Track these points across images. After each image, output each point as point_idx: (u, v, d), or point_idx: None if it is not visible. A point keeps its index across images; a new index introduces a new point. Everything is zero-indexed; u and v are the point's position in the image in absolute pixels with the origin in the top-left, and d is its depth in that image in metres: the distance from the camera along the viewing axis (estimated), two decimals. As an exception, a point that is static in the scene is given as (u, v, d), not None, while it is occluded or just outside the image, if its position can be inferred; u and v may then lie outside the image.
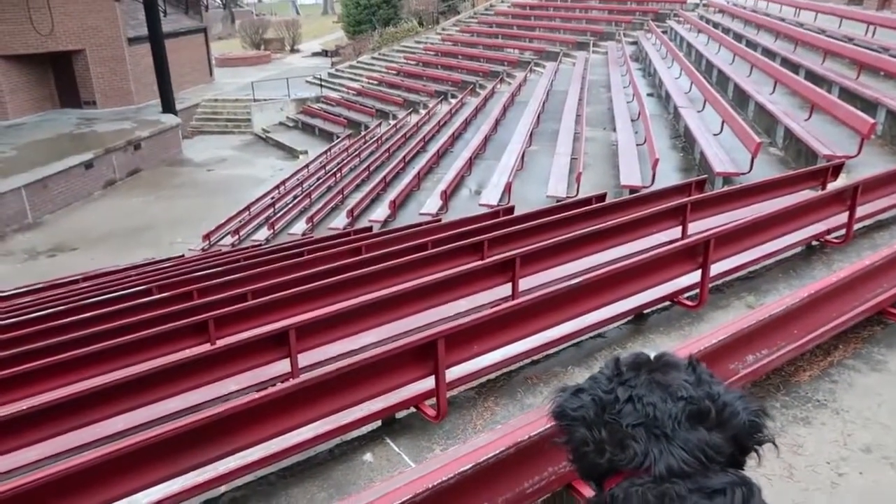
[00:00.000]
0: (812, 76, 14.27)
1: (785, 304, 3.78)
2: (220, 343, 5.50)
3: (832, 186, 7.82)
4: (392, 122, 27.82)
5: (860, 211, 6.73)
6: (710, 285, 5.61)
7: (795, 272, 6.19)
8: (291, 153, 29.97)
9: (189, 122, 33.20)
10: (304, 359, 5.34)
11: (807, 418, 3.68)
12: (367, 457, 4.06)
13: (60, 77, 30.51)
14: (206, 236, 19.62)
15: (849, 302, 4.30)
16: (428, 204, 15.37)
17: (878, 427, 3.57)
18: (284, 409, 3.72)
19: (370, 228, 14.48)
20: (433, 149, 20.43)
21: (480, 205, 13.79)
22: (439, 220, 13.08)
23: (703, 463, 1.30)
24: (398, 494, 2.35)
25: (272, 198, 22.54)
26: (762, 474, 3.19)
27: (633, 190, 11.78)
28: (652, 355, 1.63)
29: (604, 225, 7.15)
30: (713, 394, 1.42)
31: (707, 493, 1.23)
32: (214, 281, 9.22)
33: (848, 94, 12.19)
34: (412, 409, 4.41)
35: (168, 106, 30.43)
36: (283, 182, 24.09)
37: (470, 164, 17.51)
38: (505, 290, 6.26)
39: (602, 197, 11.00)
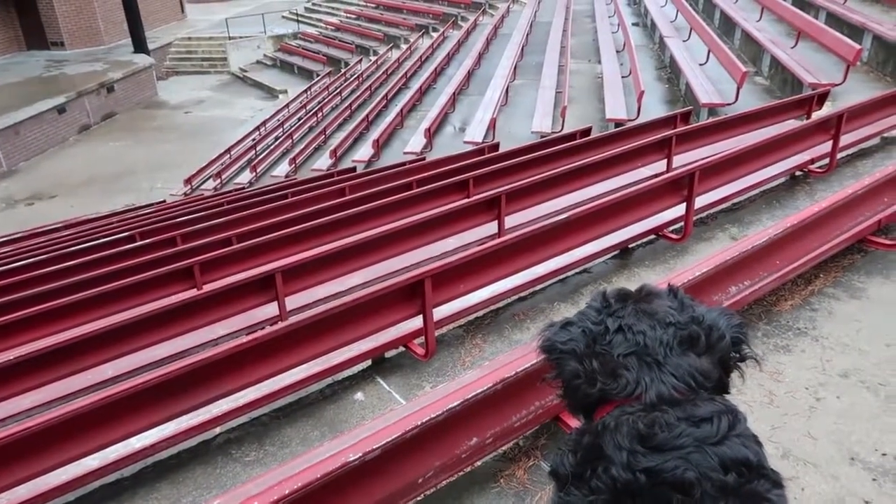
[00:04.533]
0: (799, 1, 14.00)
1: (767, 235, 3.81)
2: (207, 288, 5.49)
3: (817, 115, 7.78)
4: (373, 59, 27.14)
5: (844, 140, 6.73)
6: (695, 218, 5.64)
7: (779, 203, 6.23)
8: (271, 93, 29.29)
9: (163, 63, 32.21)
10: (292, 302, 5.36)
11: (787, 346, 3.77)
12: (359, 396, 4.13)
13: (25, 17, 29.29)
14: (188, 180, 19.36)
15: (830, 231, 4.35)
16: (412, 142, 15.18)
17: (855, 353, 3.67)
18: (273, 351, 3.76)
19: (354, 169, 14.33)
20: (415, 85, 20.04)
21: (465, 142, 13.65)
22: (424, 159, 12.95)
23: (693, 389, 1.33)
24: (389, 431, 2.40)
25: (253, 139, 22.15)
26: (744, 401, 3.29)
27: (618, 123, 11.68)
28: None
29: (589, 160, 7.11)
30: (698, 317, 1.44)
31: (695, 421, 1.25)
32: (198, 226, 9.14)
33: (835, 20, 12.00)
34: (401, 349, 4.47)
35: (140, 45, 29.44)
36: (264, 123, 23.64)
37: (453, 100, 17.23)
38: (491, 227, 6.26)
39: (587, 131, 10.91)
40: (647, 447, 1.23)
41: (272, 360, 3.75)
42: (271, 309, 5.31)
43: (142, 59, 28.99)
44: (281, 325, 3.77)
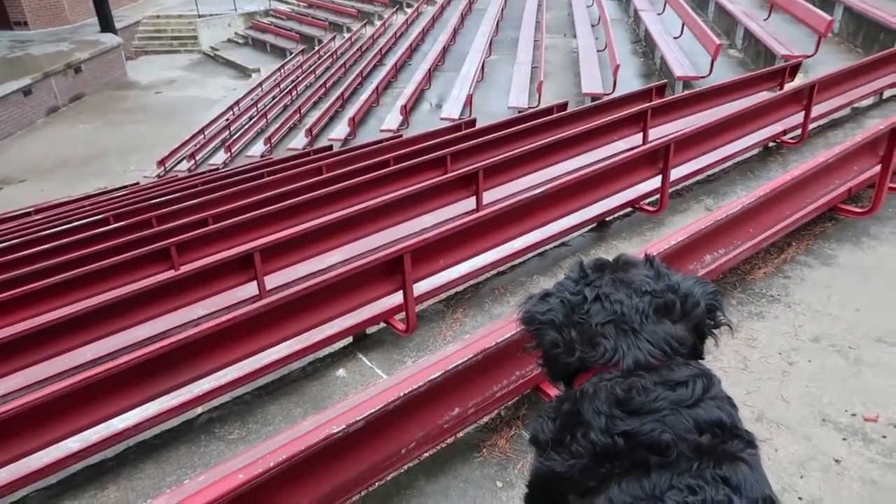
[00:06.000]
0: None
1: (741, 204, 3.86)
2: (185, 269, 5.45)
3: (789, 87, 7.86)
4: (347, 35, 26.79)
5: (816, 110, 6.82)
6: (671, 190, 5.69)
7: (753, 174, 6.31)
8: (243, 72, 28.82)
9: (131, 42, 31.48)
10: (272, 281, 5.34)
11: (761, 313, 3.85)
12: (341, 372, 4.15)
13: (-15, -4, 28.42)
14: (161, 162, 19.06)
15: (802, 200, 4.42)
16: (388, 120, 15.08)
17: (826, 318, 3.76)
18: (253, 329, 3.75)
19: (330, 148, 14.21)
20: (390, 62, 19.85)
21: (442, 119, 13.59)
22: (400, 136, 12.88)
23: (668, 355, 1.37)
24: (372, 404, 2.42)
25: (227, 119, 21.84)
26: (719, 367, 3.37)
27: (594, 97, 11.70)
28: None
29: (565, 134, 7.13)
30: (673, 285, 1.47)
31: (670, 385, 1.29)
32: (173, 207, 9.03)
33: (807, -8, 12.07)
34: (382, 325, 4.49)
35: (106, 24, 28.72)
36: (237, 102, 23.30)
37: (429, 76, 17.11)
38: (469, 203, 6.27)
39: (563, 106, 10.92)
40: (624, 411, 1.26)
41: (253, 338, 3.75)
42: (251, 288, 5.29)
43: (109, 39, 28.31)
44: (260, 302, 3.76)
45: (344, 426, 2.32)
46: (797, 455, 2.83)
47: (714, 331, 1.54)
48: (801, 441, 2.91)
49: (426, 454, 3.03)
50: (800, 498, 2.62)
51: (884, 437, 2.89)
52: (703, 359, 1.56)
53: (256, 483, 2.12)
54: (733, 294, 4.02)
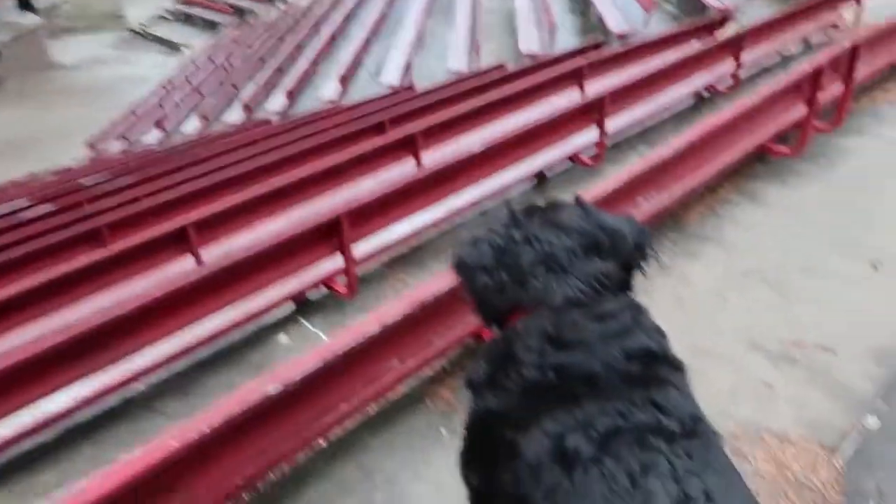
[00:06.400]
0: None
1: (674, 147, 3.93)
2: (116, 247, 5.26)
3: (721, 37, 7.99)
4: (281, 6, 26.05)
5: (747, 59, 6.97)
6: (609, 143, 5.76)
7: (688, 122, 6.41)
8: (174, 48, 27.78)
9: (54, 21, 29.95)
10: (211, 255, 5.20)
11: (695, 252, 3.95)
12: (283, 339, 4.10)
13: None
14: (92, 144, 18.32)
15: (732, 142, 4.51)
16: (326, 90, 14.79)
17: (756, 254, 3.88)
18: (191, 301, 3.66)
19: (268, 121, 13.88)
20: (327, 31, 19.41)
21: (381, 85, 13.40)
22: (339, 105, 12.66)
23: (597, 290, 1.38)
24: (309, 362, 2.39)
25: (159, 97, 21.08)
26: (654, 307, 3.42)
27: (533, 57, 11.69)
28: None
29: (504, 94, 7.10)
30: (602, 224, 1.49)
31: (599, 318, 1.30)
32: (105, 188, 8.71)
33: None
34: (324, 289, 4.44)
35: (25, 3, 27.25)
36: (169, 80, 22.49)
37: (367, 44, 16.80)
38: (411, 167, 6.21)
39: (502, 66, 10.88)
40: (554, 346, 1.27)
41: (190, 309, 3.66)
42: (188, 263, 5.15)
43: (30, 19, 26.88)
44: (196, 272, 3.67)
45: (281, 386, 2.28)
46: (730, 383, 2.93)
47: (643, 265, 1.56)
48: (733, 370, 3.01)
49: (370, 410, 3.03)
50: (733, 422, 2.71)
51: (811, 360, 3.02)
52: (632, 291, 1.59)
53: (192, 450, 2.08)
54: (668, 235, 4.11)
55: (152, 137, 17.78)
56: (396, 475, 2.68)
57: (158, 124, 18.24)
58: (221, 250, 5.37)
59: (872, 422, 2.64)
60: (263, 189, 5.50)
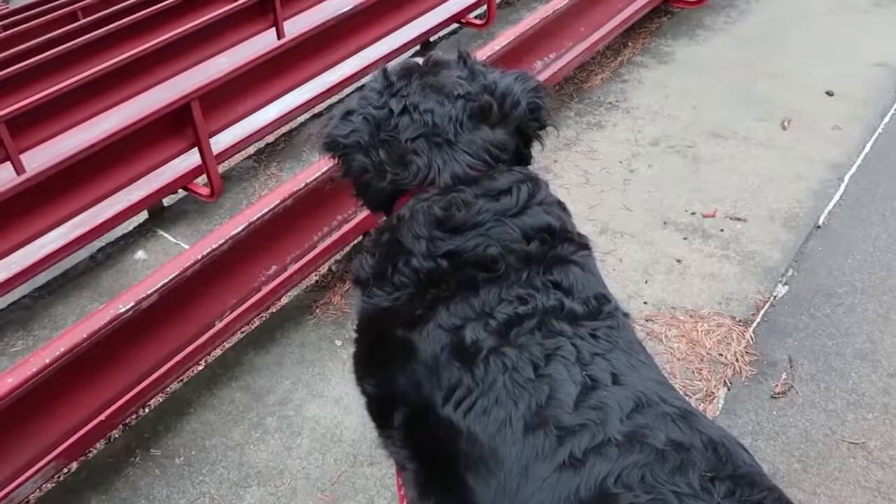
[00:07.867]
0: None
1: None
2: None
3: None
4: None
5: None
6: (498, 0, 5.63)
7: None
8: None
9: None
10: (34, 159, 4.78)
11: (600, 123, 4.01)
12: (140, 254, 3.89)
13: None
14: None
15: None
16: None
17: (664, 119, 4.00)
18: (12, 216, 3.36)
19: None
20: None
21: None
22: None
23: (489, 164, 1.35)
24: (164, 273, 2.26)
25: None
26: (560, 184, 3.51)
27: None
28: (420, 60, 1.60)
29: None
30: (489, 85, 1.44)
31: (493, 195, 1.28)
32: None
33: None
34: (182, 192, 4.21)
35: None
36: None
37: None
38: (270, 37, 5.85)
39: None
40: (445, 231, 1.25)
41: (12, 227, 3.37)
42: (6, 173, 4.72)
43: None
44: (15, 179, 3.35)
45: (132, 303, 2.16)
46: (641, 261, 3.08)
47: (539, 133, 1.54)
48: (644, 247, 3.15)
49: (252, 326, 2.98)
50: (645, 302, 2.87)
51: (721, 230, 3.20)
52: (529, 164, 1.57)
53: (31, 386, 1.96)
54: (571, 105, 4.15)
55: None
56: (289, 395, 2.68)
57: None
58: (47, 154, 4.96)
59: (782, 290, 2.86)
60: (92, 73, 5.03)
